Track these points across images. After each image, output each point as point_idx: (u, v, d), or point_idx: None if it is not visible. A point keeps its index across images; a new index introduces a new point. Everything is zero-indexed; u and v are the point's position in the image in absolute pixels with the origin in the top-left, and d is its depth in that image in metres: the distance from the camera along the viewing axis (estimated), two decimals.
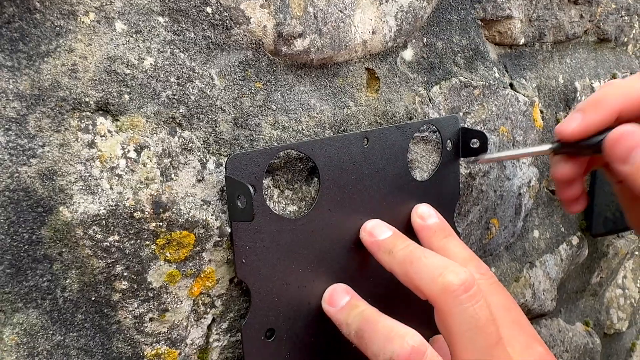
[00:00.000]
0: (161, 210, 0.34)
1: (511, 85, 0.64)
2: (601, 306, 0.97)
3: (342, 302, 0.42)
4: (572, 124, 0.45)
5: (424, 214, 0.48)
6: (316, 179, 0.43)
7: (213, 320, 0.40)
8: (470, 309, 0.36)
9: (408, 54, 0.52)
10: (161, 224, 0.34)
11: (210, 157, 0.37)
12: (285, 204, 0.42)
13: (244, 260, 0.38)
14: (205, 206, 0.36)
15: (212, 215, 0.37)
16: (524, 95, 0.65)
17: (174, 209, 0.35)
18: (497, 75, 0.62)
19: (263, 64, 0.40)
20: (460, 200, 0.56)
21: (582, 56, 0.76)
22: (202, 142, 0.37)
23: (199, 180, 0.36)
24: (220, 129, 0.38)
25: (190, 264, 0.36)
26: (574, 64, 0.75)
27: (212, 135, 0.37)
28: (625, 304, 0.99)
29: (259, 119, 0.40)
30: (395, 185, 0.48)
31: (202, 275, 0.37)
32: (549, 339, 0.80)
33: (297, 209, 0.43)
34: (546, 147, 0.49)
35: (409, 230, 0.49)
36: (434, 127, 0.52)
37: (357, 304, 0.42)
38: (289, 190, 0.42)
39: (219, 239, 0.37)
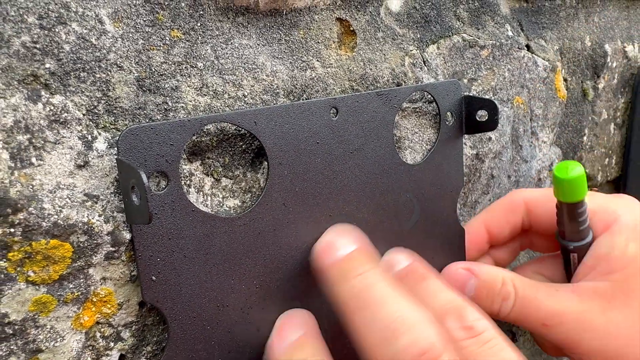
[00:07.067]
0: (9, 210, 0.23)
1: (527, 47, 0.53)
2: None
3: (290, 338, 0.31)
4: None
5: (397, 260, 0.35)
6: (266, 162, 0.32)
7: (122, 357, 0.29)
8: None
9: (395, 2, 0.40)
10: (12, 230, 0.23)
11: (99, 133, 0.26)
12: (223, 197, 0.31)
13: (154, 278, 0.27)
14: (89, 203, 0.25)
15: (100, 215, 0.26)
16: (543, 59, 0.53)
17: (31, 208, 0.24)
18: (510, 33, 0.50)
19: (183, 4, 0.29)
20: (466, 189, 0.45)
21: (612, 14, 0.64)
22: (85, 112, 0.26)
23: (79, 166, 0.25)
24: (116, 93, 0.27)
25: (71, 286, 0.26)
26: (603, 23, 0.62)
27: (103, 102, 0.26)
28: None
29: (178, 80, 0.29)
30: (377, 171, 0.36)
31: (93, 300, 0.27)
32: None
33: (239, 204, 0.32)
34: None
35: (392, 234, 0.38)
36: (429, 95, 0.40)
37: (303, 345, 0.30)
38: (227, 178, 0.31)
39: (112, 249, 0.26)
